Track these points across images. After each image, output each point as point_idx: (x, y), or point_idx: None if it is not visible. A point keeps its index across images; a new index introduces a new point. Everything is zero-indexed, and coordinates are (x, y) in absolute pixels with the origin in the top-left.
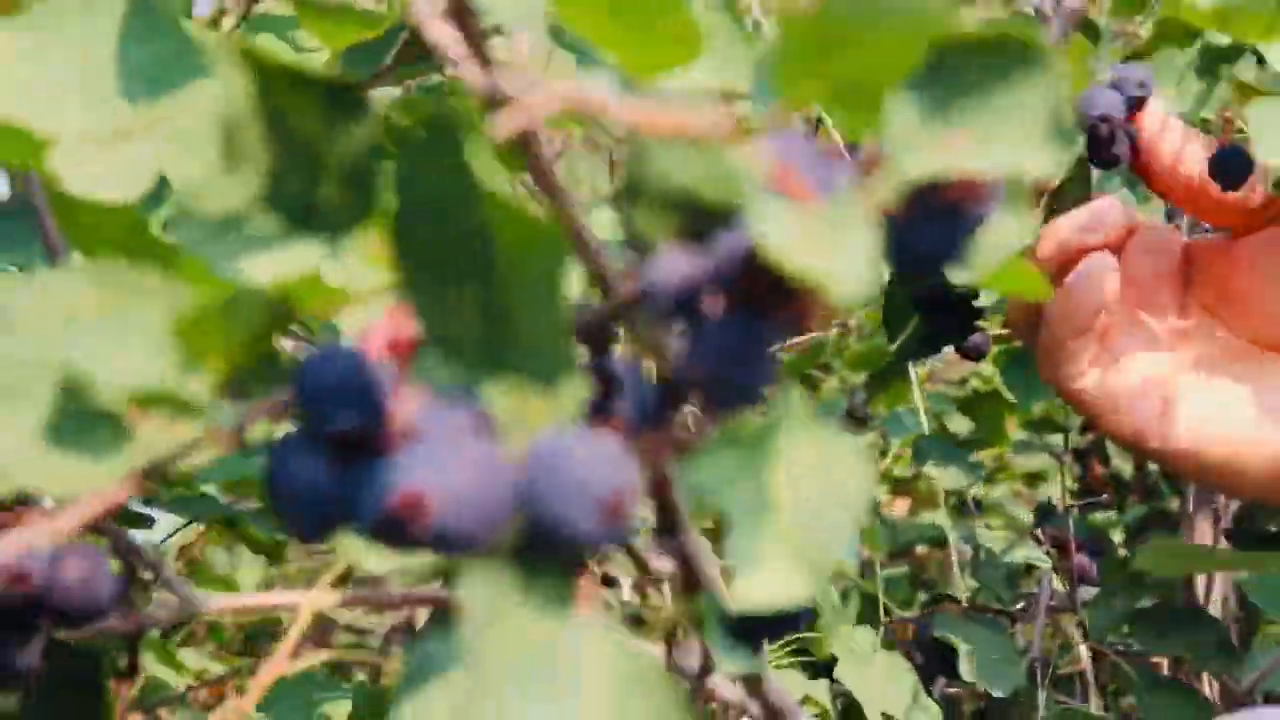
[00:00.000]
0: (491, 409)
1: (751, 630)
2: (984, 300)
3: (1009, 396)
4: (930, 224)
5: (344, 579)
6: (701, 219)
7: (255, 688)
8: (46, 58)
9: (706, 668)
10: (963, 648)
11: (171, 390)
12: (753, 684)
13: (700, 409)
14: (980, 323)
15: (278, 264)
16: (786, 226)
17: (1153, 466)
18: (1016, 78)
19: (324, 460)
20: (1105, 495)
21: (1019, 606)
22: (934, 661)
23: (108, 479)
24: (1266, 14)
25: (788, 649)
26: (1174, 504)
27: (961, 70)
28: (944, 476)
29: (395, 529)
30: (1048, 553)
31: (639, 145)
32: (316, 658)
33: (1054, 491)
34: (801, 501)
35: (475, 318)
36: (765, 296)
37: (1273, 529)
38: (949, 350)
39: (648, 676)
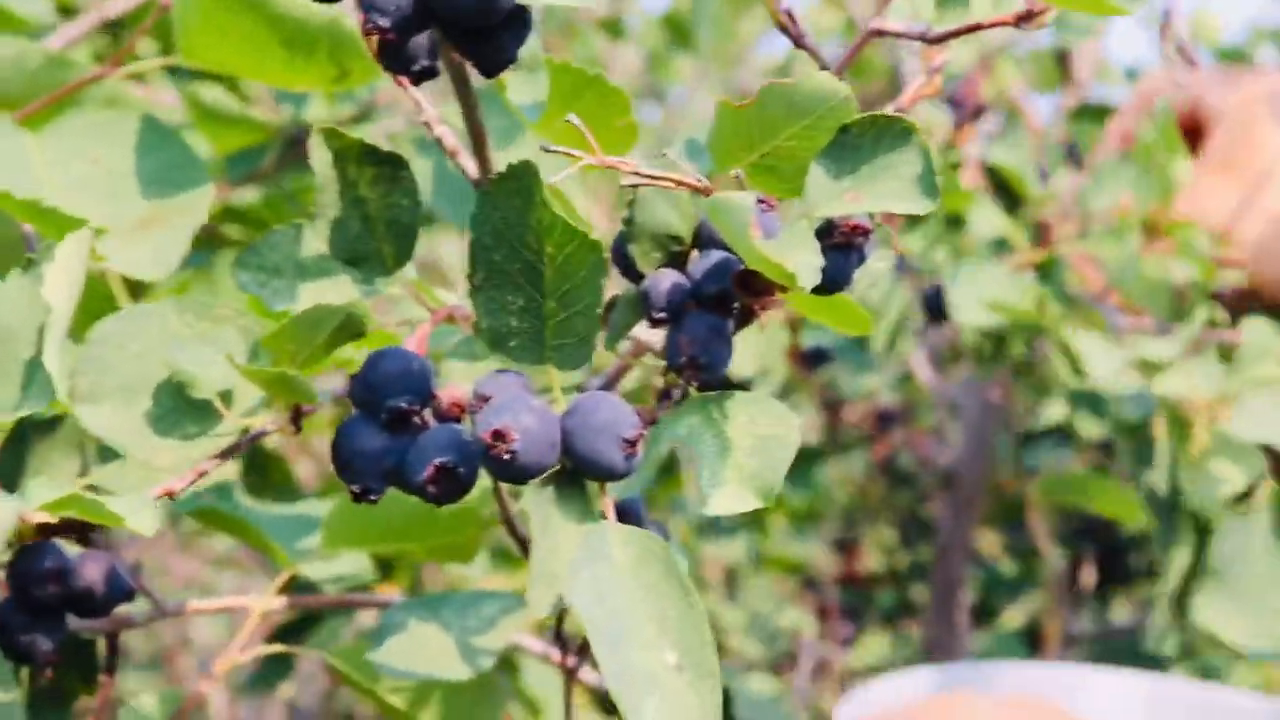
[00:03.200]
0: (532, 383)
1: None
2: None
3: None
4: (832, 256)
5: (288, 587)
6: (677, 250)
7: (216, 675)
8: (67, 162)
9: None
10: (740, 692)
11: (284, 372)
12: None
13: (680, 380)
14: None
15: (334, 296)
16: (767, 249)
17: (903, 563)
18: (896, 146)
19: (382, 433)
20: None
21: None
22: None
23: (202, 456)
24: None
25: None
26: (920, 595)
27: (858, 144)
28: (719, 549)
29: (488, 459)
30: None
31: (640, 197)
32: (267, 649)
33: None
34: (751, 445)
35: (524, 319)
36: (729, 298)
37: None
38: None
39: (654, 551)
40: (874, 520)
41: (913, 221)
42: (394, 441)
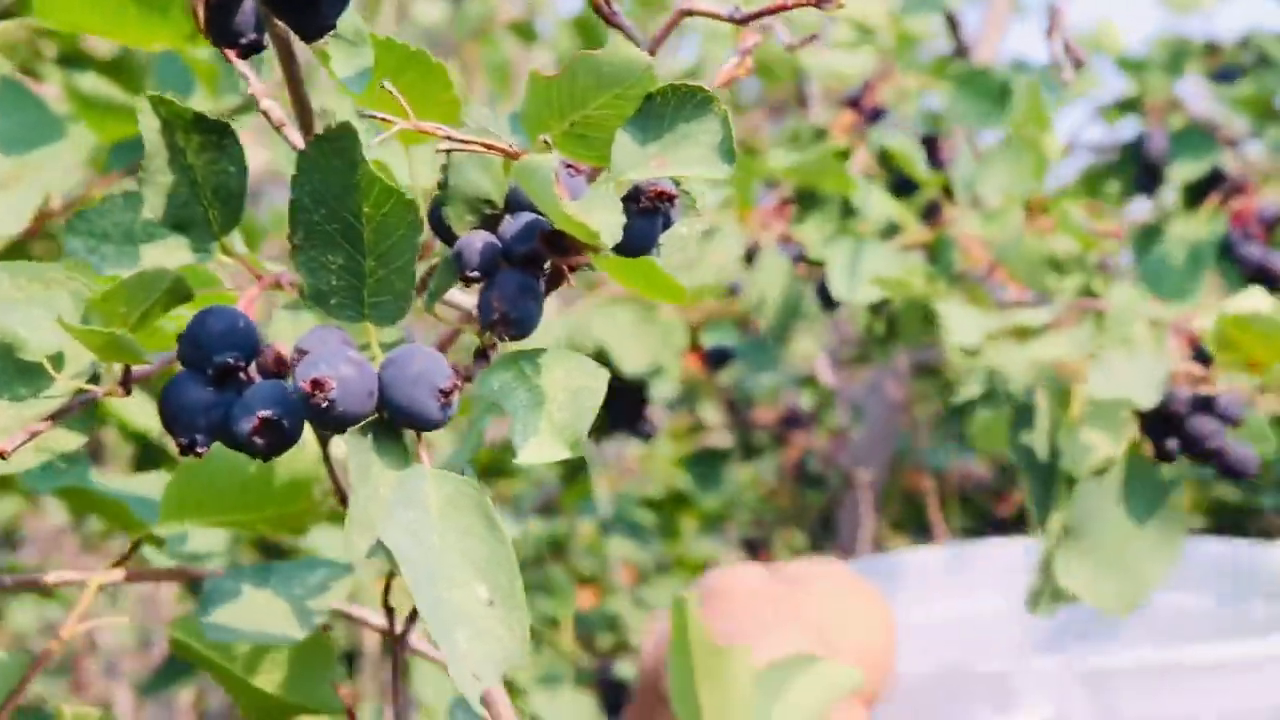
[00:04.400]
0: (352, 339)
1: None
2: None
3: (690, 497)
4: (638, 220)
5: (126, 559)
6: (491, 213)
7: (56, 644)
8: None
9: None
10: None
11: (111, 333)
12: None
13: (494, 335)
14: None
15: (166, 262)
16: (570, 208)
17: None
18: (697, 115)
19: (209, 388)
20: None
21: None
22: (613, 697)
23: (33, 418)
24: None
25: None
26: None
27: (662, 113)
28: (629, 549)
29: (307, 408)
30: None
31: (453, 162)
32: (115, 620)
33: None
34: (563, 399)
35: (343, 277)
36: (539, 258)
37: None
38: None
39: (467, 494)
40: (784, 522)
41: (804, 211)
42: (220, 396)
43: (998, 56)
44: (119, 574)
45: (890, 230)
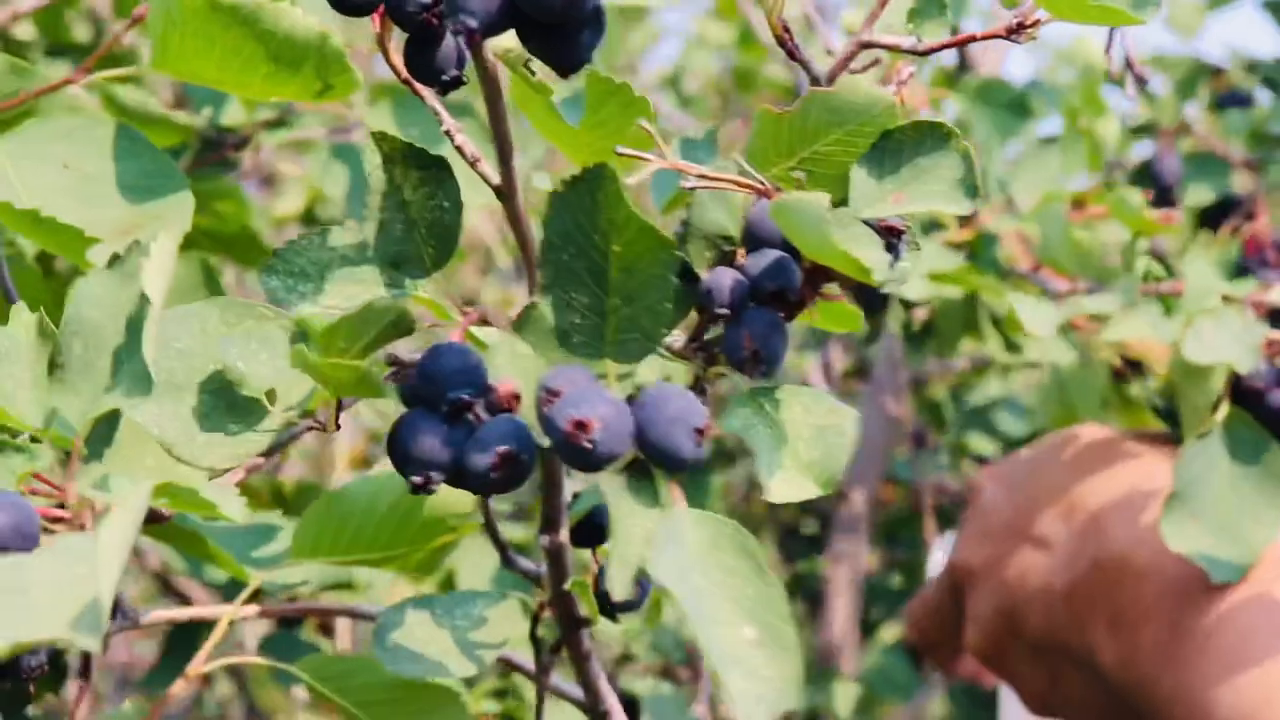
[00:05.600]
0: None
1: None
2: None
3: None
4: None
5: (256, 594)
6: (729, 249)
7: (186, 680)
8: (39, 170)
9: (546, 666)
10: (644, 699)
11: (357, 365)
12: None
13: (739, 372)
14: None
15: (363, 297)
16: (843, 245)
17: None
18: (936, 150)
19: (441, 425)
20: None
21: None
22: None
23: (248, 453)
24: None
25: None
26: (797, 608)
27: (899, 149)
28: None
29: (568, 448)
30: None
31: (697, 199)
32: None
33: None
34: (810, 436)
35: (588, 316)
36: (786, 295)
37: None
38: None
39: (726, 532)
40: (755, 532)
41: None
42: (453, 433)
43: (999, 71)
44: (253, 609)
45: (928, 227)
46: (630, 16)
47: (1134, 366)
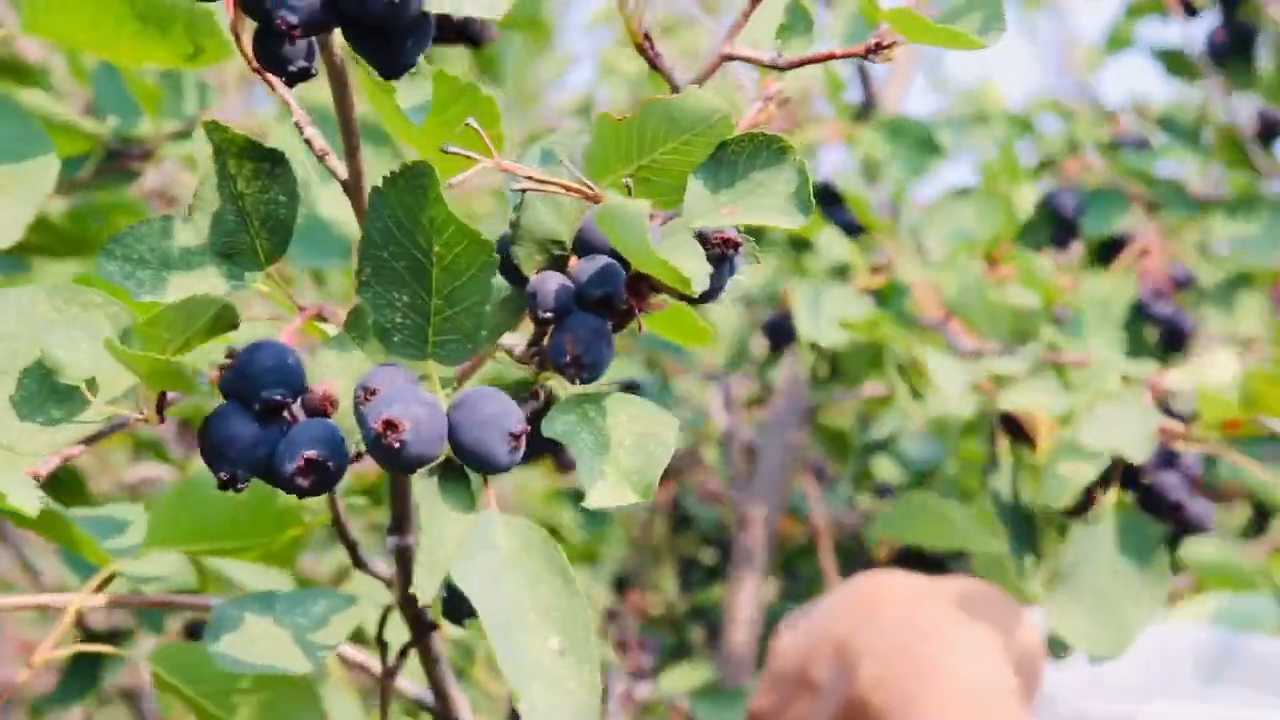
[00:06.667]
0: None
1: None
2: None
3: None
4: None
5: (106, 584)
6: (560, 254)
7: (32, 669)
8: None
9: (392, 669)
10: None
11: (167, 359)
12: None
13: (563, 377)
14: None
15: (201, 289)
16: (662, 253)
17: (681, 605)
18: (772, 164)
19: (253, 423)
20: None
21: None
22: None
23: (67, 441)
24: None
25: None
26: (696, 636)
27: (735, 161)
28: None
29: (378, 448)
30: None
31: (527, 202)
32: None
33: None
34: (631, 443)
35: (409, 315)
36: (612, 302)
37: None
38: None
39: (536, 540)
40: (656, 561)
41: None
42: (265, 432)
43: (900, 109)
44: (100, 599)
45: (841, 272)
46: (535, 35)
47: (1017, 431)
